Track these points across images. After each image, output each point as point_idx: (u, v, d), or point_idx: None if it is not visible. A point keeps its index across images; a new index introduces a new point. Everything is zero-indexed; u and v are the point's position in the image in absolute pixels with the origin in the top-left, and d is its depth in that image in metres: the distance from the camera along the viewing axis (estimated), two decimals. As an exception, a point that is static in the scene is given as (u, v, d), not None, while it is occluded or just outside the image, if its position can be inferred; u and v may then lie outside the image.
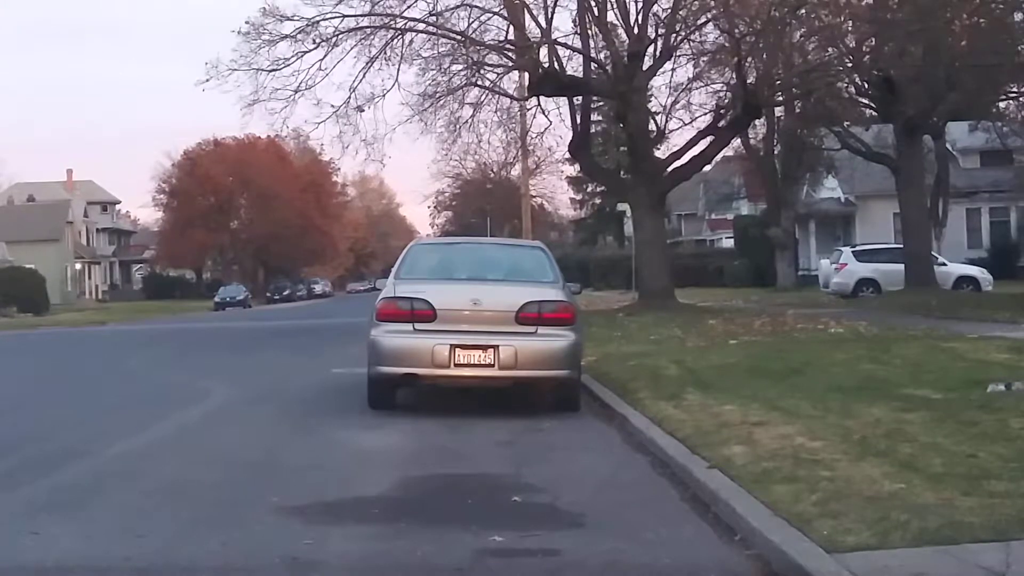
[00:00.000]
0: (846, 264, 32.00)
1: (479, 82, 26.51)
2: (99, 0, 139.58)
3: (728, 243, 56.37)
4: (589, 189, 68.68)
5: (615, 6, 25.25)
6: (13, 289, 47.77)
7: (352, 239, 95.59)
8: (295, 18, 24.37)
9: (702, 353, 13.64)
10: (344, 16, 24.61)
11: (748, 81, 23.51)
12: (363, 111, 25.87)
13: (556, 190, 74.71)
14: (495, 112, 28.54)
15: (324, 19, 24.47)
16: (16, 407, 11.84)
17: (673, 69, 26.99)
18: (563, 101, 27.33)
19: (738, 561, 5.03)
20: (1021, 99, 30.98)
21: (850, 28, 23.04)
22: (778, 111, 34.03)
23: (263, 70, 24.99)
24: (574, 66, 26.05)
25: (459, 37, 25.00)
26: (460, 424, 9.37)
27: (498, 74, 27.03)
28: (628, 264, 37.91)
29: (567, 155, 33.81)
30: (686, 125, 27.58)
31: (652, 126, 27.00)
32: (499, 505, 6.28)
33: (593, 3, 24.80)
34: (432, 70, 25.51)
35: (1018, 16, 23.33)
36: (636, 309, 24.32)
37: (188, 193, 76.43)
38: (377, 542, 5.39)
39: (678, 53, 25.64)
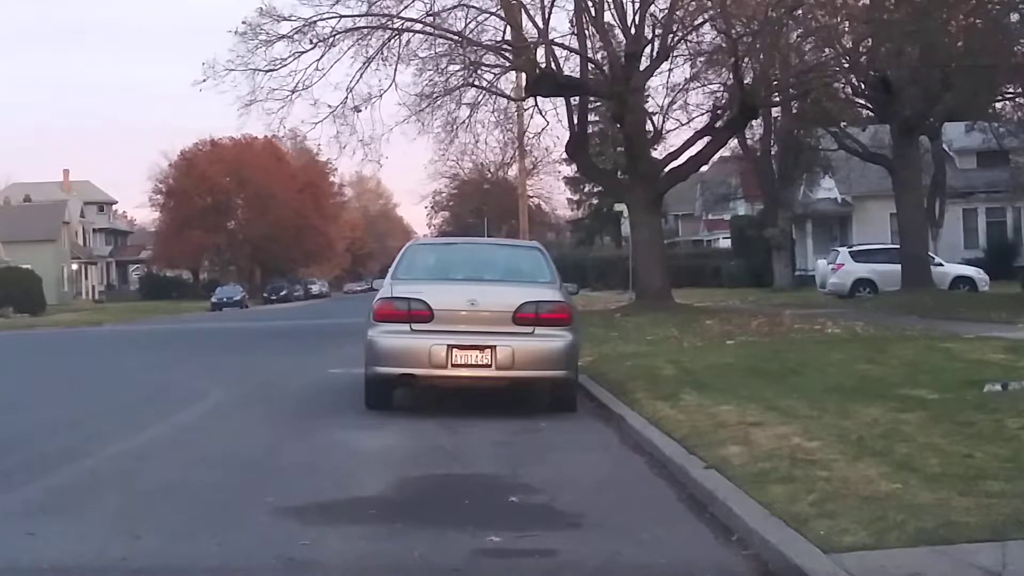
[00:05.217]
0: (843, 264, 32.04)
1: (476, 82, 26.52)
2: (96, 0, 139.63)
3: (725, 243, 56.35)
4: (586, 189, 68.71)
5: (612, 6, 25.26)
6: (9, 289, 47.65)
7: (349, 239, 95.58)
8: (292, 18, 24.38)
9: (699, 353, 13.65)
10: (341, 16, 24.63)
11: (745, 81, 23.52)
12: (360, 111, 25.90)
13: (553, 190, 74.94)
14: (492, 112, 28.63)
15: (321, 19, 24.48)
16: (13, 407, 11.81)
17: (670, 70, 27.11)
18: (560, 101, 27.34)
19: (735, 561, 5.03)
20: (1017, 100, 31.01)
21: (847, 29, 23.05)
22: (775, 111, 34.08)
23: (260, 70, 25.00)
24: (571, 66, 26.10)
25: (456, 37, 25.00)
26: (457, 424, 9.36)
27: (495, 74, 27.08)
28: (625, 264, 37.89)
29: (564, 155, 33.80)
30: (683, 125, 27.69)
31: (649, 126, 26.99)
32: (496, 505, 6.28)
33: (590, 3, 24.80)
34: (429, 70, 25.56)
35: (1014, 17, 23.35)
36: (633, 309, 24.33)
37: (185, 193, 76.30)
38: (374, 542, 5.39)
39: (675, 54, 25.69)
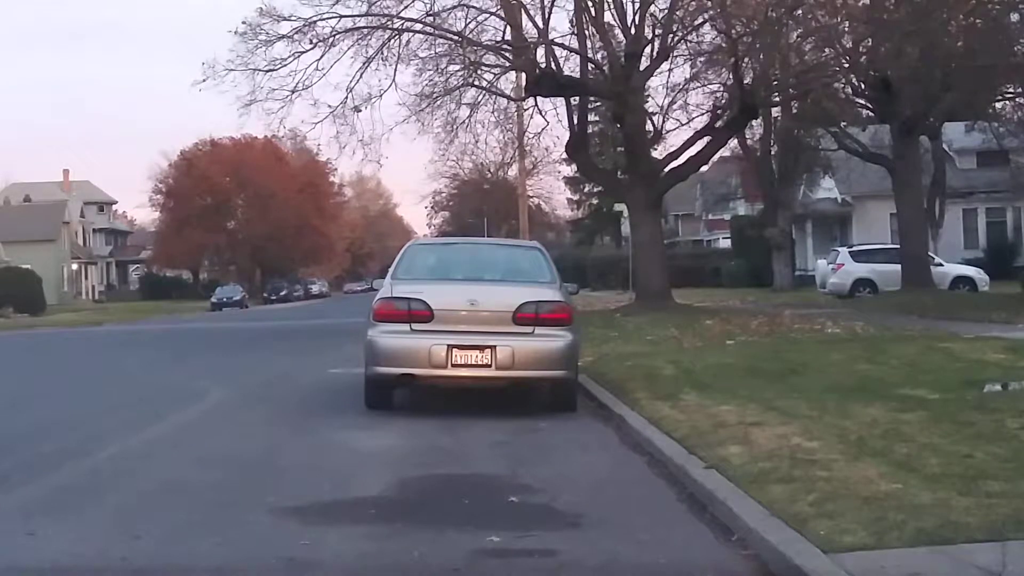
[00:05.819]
0: (843, 264, 32.05)
1: (476, 82, 26.49)
2: (97, 1, 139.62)
3: (725, 243, 56.34)
4: (586, 189, 68.73)
5: (612, 6, 25.23)
6: (10, 289, 47.67)
7: (349, 239, 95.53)
8: (292, 18, 24.36)
9: (699, 353, 13.64)
10: (341, 16, 24.60)
11: (745, 82, 23.51)
12: (360, 111, 25.87)
13: (553, 190, 74.97)
14: (492, 112, 28.60)
15: (321, 19, 24.45)
16: (12, 407, 11.82)
17: (670, 70, 27.07)
18: (560, 101, 27.32)
19: (735, 561, 5.03)
20: (1017, 100, 31.01)
21: (847, 29, 23.05)
22: (775, 111, 34.04)
23: (260, 70, 24.97)
24: (571, 66, 26.07)
25: (456, 37, 24.98)
26: (457, 424, 9.36)
27: (495, 74, 27.05)
28: (625, 264, 37.90)
29: (564, 155, 33.80)
30: (683, 125, 27.65)
31: (649, 126, 26.98)
32: (496, 505, 6.28)
33: (590, 3, 24.78)
34: (429, 70, 25.53)
35: (1014, 17, 23.36)
36: (633, 309, 24.31)
37: (185, 193, 76.33)
38: (374, 542, 5.39)
39: (675, 54, 25.67)
